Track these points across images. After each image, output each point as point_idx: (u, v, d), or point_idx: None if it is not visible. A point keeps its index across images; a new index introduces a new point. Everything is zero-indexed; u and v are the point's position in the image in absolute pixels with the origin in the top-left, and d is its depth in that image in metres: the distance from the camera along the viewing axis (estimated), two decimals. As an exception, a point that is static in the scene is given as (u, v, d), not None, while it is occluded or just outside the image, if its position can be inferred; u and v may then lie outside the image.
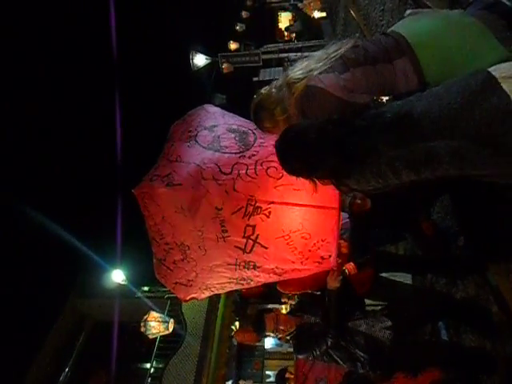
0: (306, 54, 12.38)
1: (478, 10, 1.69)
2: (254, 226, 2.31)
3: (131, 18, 13.29)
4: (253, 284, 2.66)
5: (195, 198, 2.24)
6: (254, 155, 2.34)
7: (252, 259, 2.43)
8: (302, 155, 1.58)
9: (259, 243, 2.36)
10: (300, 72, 1.75)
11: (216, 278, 2.58)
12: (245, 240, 2.35)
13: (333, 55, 1.73)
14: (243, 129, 2.58)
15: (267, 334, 2.84)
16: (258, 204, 2.27)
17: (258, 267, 2.47)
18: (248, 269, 2.48)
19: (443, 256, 3.35)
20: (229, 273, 2.52)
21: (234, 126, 2.61)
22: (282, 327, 2.79)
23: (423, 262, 3.48)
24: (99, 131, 11.16)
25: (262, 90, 1.91)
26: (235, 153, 2.37)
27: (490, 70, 1.33)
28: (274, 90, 1.84)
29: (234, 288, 2.70)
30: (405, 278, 3.62)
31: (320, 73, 1.70)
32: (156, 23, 15.03)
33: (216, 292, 2.73)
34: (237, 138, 2.48)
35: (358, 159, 1.46)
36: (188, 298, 2.69)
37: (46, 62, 10.98)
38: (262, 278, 2.59)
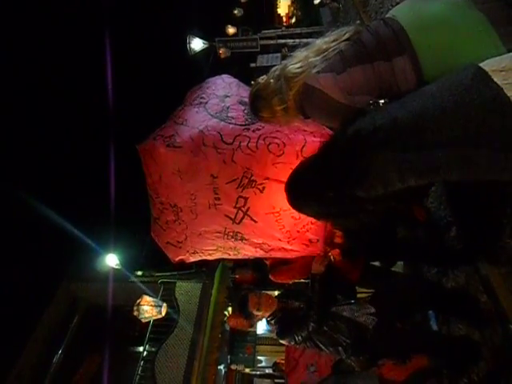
0: (304, 40, 12.27)
1: None
2: (246, 198, 2.35)
3: (127, 2, 13.07)
4: (240, 256, 2.71)
5: (192, 163, 2.27)
6: (258, 129, 2.33)
7: (240, 230, 2.47)
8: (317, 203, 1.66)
9: (249, 216, 2.40)
10: (298, 65, 1.67)
11: (204, 244, 2.63)
12: (235, 210, 2.38)
13: (332, 46, 1.65)
14: None
15: (250, 311, 2.85)
16: (253, 177, 2.30)
17: (246, 239, 2.52)
18: (236, 239, 2.52)
19: (435, 245, 3.37)
20: (217, 240, 2.57)
21: (246, 99, 2.60)
22: (263, 305, 2.83)
23: (415, 250, 3.50)
24: (93, 118, 11.07)
25: (260, 80, 1.86)
26: (240, 124, 2.38)
27: (480, 64, 1.31)
28: (271, 80, 1.77)
29: (221, 256, 2.76)
30: (396, 267, 3.65)
31: (318, 71, 1.63)
32: (152, 7, 14.79)
33: (203, 258, 2.77)
34: (246, 111, 2.46)
35: (366, 178, 1.44)
36: (177, 259, 2.74)
37: (41, 63, 10.82)
38: (249, 252, 2.64)
